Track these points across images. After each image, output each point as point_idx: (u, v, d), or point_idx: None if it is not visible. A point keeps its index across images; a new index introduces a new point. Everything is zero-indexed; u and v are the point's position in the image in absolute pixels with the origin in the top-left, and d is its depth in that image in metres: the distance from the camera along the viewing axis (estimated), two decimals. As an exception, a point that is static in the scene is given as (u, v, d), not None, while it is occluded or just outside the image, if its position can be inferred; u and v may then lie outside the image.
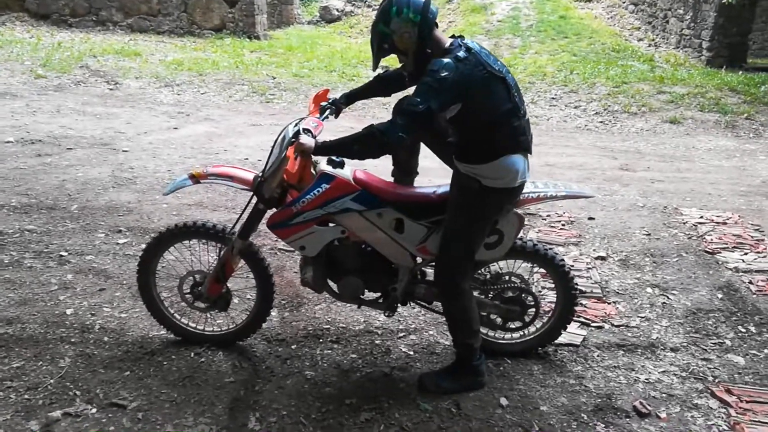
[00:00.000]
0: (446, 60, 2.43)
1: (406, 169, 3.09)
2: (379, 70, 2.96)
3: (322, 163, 2.78)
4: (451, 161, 2.78)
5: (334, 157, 2.71)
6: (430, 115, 2.43)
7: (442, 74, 2.40)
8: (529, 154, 2.69)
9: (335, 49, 13.63)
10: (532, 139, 2.70)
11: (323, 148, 2.58)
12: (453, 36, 2.60)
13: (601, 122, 9.16)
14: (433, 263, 2.87)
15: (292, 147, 2.62)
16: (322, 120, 2.90)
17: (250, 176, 2.90)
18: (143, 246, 3.16)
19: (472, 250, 2.75)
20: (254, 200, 2.87)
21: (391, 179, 3.09)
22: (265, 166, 2.76)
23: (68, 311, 3.44)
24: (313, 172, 2.81)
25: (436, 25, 2.57)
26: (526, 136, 2.65)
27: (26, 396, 2.74)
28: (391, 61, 2.80)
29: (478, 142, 2.61)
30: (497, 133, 2.57)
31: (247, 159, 6.44)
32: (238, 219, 2.98)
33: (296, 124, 2.73)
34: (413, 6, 2.45)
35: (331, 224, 2.85)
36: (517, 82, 2.66)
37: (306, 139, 2.58)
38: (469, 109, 2.51)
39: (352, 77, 10.94)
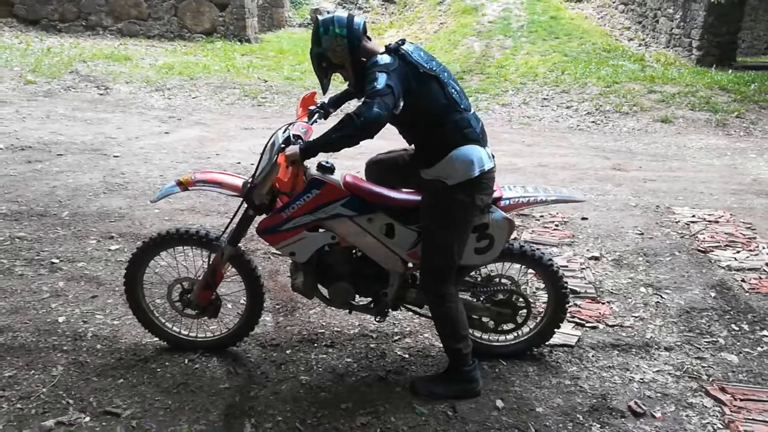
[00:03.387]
0: (382, 55, 2.59)
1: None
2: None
3: (312, 169, 2.77)
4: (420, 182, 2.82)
5: (324, 163, 2.74)
6: (393, 93, 2.48)
7: (384, 62, 2.55)
8: (482, 146, 2.73)
9: (327, 51, 13.61)
10: (483, 131, 2.77)
11: (309, 150, 2.57)
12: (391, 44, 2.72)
13: (592, 122, 9.20)
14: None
15: (283, 154, 2.61)
16: (311, 124, 2.90)
17: (239, 182, 2.87)
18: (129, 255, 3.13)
19: (454, 253, 2.74)
20: (244, 206, 2.86)
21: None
22: (255, 172, 2.75)
23: (60, 319, 3.41)
24: (304, 178, 2.79)
25: (369, 39, 2.71)
26: (472, 127, 2.71)
27: (19, 405, 2.71)
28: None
29: (427, 141, 2.72)
30: (441, 129, 2.66)
31: (239, 163, 6.42)
32: (228, 225, 2.96)
33: (285, 130, 2.70)
34: (337, 22, 2.62)
35: (321, 230, 2.84)
36: (455, 79, 2.77)
37: (291, 149, 2.56)
38: (411, 104, 2.58)
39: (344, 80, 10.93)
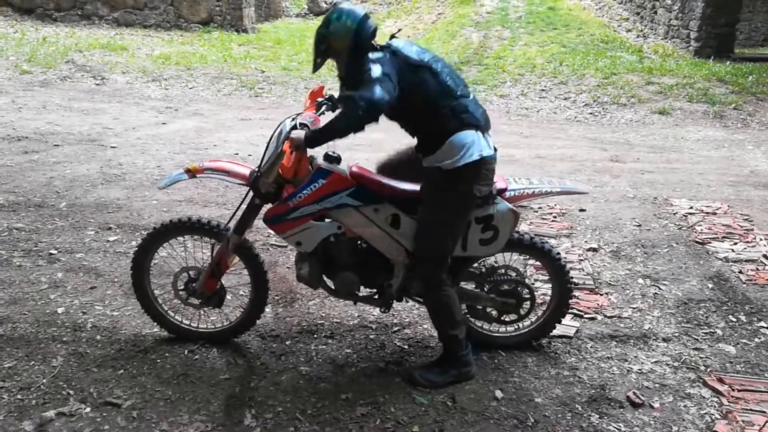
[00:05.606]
0: (373, 53, 2.64)
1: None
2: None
3: (319, 159, 2.79)
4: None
5: (330, 153, 2.76)
6: (391, 81, 2.52)
7: (376, 56, 2.60)
8: (483, 131, 2.74)
9: (324, 42, 13.54)
10: (483, 115, 2.77)
11: (314, 138, 2.60)
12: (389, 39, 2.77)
13: (590, 114, 9.20)
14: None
15: (289, 142, 2.62)
16: (319, 115, 2.91)
17: (246, 171, 2.89)
18: (136, 243, 3.13)
19: (448, 241, 2.77)
20: (250, 195, 2.87)
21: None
22: (262, 161, 2.76)
23: (59, 310, 3.41)
24: (310, 167, 2.81)
25: (373, 45, 2.70)
26: (470, 113, 2.71)
27: (19, 396, 2.72)
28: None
29: (426, 130, 2.73)
30: (437, 115, 2.68)
31: (236, 154, 6.40)
32: (233, 214, 2.97)
33: (293, 119, 2.73)
34: (352, 15, 2.68)
35: (327, 220, 2.85)
36: (451, 68, 2.79)
37: (296, 133, 2.61)
38: (406, 95, 2.61)
39: (336, 69, 10.88)
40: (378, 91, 2.45)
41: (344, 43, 2.66)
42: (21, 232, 4.35)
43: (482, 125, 2.74)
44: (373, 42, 2.72)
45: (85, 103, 8.40)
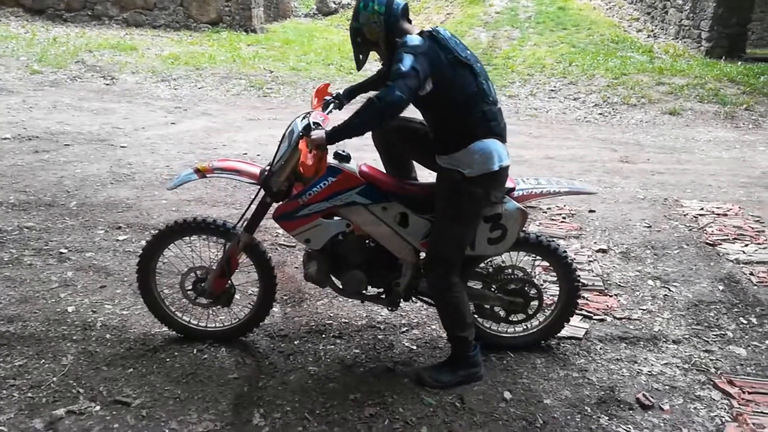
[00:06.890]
0: (414, 36, 2.59)
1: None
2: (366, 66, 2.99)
3: (329, 157, 2.79)
4: (434, 163, 2.82)
5: (340, 151, 2.78)
6: (417, 76, 2.48)
7: (413, 43, 2.54)
8: (504, 142, 2.75)
9: (332, 42, 13.58)
10: (505, 127, 2.77)
11: (334, 135, 2.60)
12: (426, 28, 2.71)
13: (600, 114, 9.15)
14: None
15: (304, 141, 2.63)
16: (327, 114, 2.91)
17: (256, 170, 2.90)
18: (144, 243, 3.14)
19: (462, 243, 2.77)
20: (261, 194, 2.88)
21: None
22: (273, 160, 2.77)
23: (69, 309, 3.43)
24: None
25: (409, 21, 2.72)
26: (498, 122, 2.71)
27: (29, 394, 2.73)
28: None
29: (449, 127, 2.69)
30: (467, 118, 2.64)
31: (245, 153, 6.41)
32: (244, 213, 2.98)
33: (304, 118, 2.74)
34: (377, 0, 2.63)
35: (336, 218, 2.85)
36: (486, 71, 2.76)
37: (316, 133, 2.60)
38: (438, 88, 2.58)
39: (350, 70, 10.90)
40: (397, 92, 2.43)
41: (377, 31, 2.63)
42: (32, 231, 4.38)
43: (503, 136, 2.75)
44: (407, 21, 2.69)
45: (95, 103, 8.45)
